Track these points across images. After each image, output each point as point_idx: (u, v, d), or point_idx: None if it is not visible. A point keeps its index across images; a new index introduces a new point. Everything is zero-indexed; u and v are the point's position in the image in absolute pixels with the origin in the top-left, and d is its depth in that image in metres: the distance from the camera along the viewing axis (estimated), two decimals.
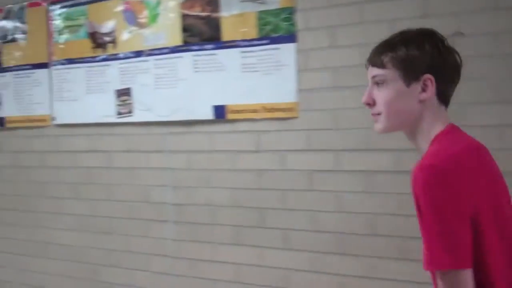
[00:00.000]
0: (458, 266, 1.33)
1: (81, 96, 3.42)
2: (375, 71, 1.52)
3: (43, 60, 3.60)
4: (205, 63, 2.95)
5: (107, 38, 3.30)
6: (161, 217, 3.19)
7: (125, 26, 3.22)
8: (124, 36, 3.23)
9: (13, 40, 3.75)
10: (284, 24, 2.74)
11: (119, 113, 3.26)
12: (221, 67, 2.89)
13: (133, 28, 3.19)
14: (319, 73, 2.63)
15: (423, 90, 1.48)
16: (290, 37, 2.72)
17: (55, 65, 3.54)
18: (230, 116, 2.91)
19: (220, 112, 2.93)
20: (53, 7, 3.53)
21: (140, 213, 3.27)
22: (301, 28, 2.71)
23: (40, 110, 3.63)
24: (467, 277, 1.33)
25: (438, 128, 1.50)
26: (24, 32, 3.70)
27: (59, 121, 3.55)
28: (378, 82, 1.52)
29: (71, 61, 3.46)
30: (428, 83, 1.47)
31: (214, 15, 2.90)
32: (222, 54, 2.89)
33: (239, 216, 2.93)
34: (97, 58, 3.34)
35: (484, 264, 1.37)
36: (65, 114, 3.51)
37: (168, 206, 3.16)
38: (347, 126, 2.62)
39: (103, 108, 3.33)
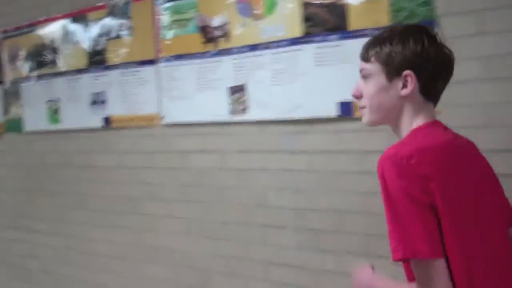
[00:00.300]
0: (434, 255, 1.36)
1: (191, 94, 3.24)
2: (362, 64, 1.59)
3: (150, 57, 3.44)
4: (329, 56, 2.69)
5: (218, 32, 3.10)
6: (279, 223, 2.97)
7: (239, 18, 3.00)
8: (238, 29, 3.01)
9: (118, 37, 3.62)
10: (421, 10, 2.43)
11: (233, 112, 3.05)
12: (347, 60, 2.60)
13: (248, 20, 2.96)
14: (466, 63, 2.31)
15: (404, 85, 1.52)
16: (429, 24, 2.41)
17: (162, 62, 3.38)
18: (358, 113, 2.63)
19: (346, 109, 2.66)
20: (159, 1, 3.37)
21: (255, 217, 3.06)
22: (443, 13, 2.40)
23: (147, 109, 3.48)
24: (443, 266, 1.38)
25: (418, 123, 1.54)
26: (129, 28, 3.56)
27: (167, 120, 3.38)
28: (364, 76, 1.58)
29: (179, 57, 3.28)
30: (409, 79, 1.51)
31: (340, 2, 2.63)
32: (348, 45, 2.61)
33: (369, 223, 2.65)
34: (208, 54, 3.14)
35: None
36: (174, 113, 3.34)
37: (286, 211, 2.93)
38: (500, 123, 2.29)
39: (215, 107, 3.13)
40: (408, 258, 1.40)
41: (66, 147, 4.09)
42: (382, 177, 1.42)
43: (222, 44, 3.08)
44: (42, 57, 4.15)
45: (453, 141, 1.56)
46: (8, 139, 4.58)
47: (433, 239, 1.37)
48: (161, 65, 3.38)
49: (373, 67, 1.56)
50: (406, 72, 1.51)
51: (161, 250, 3.52)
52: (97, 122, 3.76)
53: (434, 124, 1.57)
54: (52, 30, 4.07)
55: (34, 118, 4.26)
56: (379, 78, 1.55)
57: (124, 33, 3.59)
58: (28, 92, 4.30)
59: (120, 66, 3.61)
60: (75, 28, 3.89)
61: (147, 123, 3.49)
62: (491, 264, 1.46)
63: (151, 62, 3.44)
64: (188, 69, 3.24)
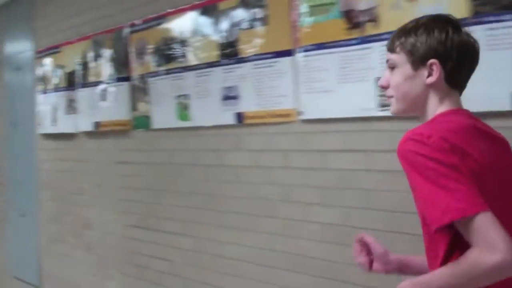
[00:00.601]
0: (482, 208, 1.36)
1: (332, 86, 2.93)
2: (388, 55, 1.66)
3: (286, 47, 3.17)
4: (504, 39, 2.29)
5: (365, 16, 2.77)
6: None
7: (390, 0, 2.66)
8: (388, 12, 2.67)
9: (251, 27, 3.38)
10: None
11: (381, 105, 2.71)
12: None
13: (401, 1, 2.61)
14: None
15: (430, 74, 1.58)
16: None
17: (301, 52, 3.09)
18: None
19: None
20: None
21: (404, 226, 2.70)
22: None
23: (283, 104, 3.21)
24: (494, 216, 1.36)
25: (441, 110, 1.59)
26: (263, 17, 3.30)
27: (306, 116, 3.09)
28: (390, 66, 1.65)
29: (320, 46, 2.98)
30: (434, 67, 1.56)
31: None
32: None
33: None
34: (353, 41, 2.82)
35: None
36: (314, 108, 3.04)
37: None
38: None
39: (360, 100, 2.80)
40: (458, 218, 1.38)
41: (195, 145, 3.91)
42: (406, 157, 1.47)
43: (370, 30, 2.74)
44: (171, 51, 4.00)
45: (476, 124, 1.59)
46: (135, 137, 4.49)
47: (475, 195, 1.38)
48: (299, 56, 3.10)
49: (398, 57, 1.62)
50: (431, 61, 1.56)
51: (294, 256, 3.24)
52: (229, 118, 3.54)
53: (458, 111, 1.62)
54: (180, 22, 3.91)
55: (162, 114, 4.12)
56: (405, 68, 1.61)
57: (257, 22, 3.34)
58: (156, 87, 4.17)
59: (253, 58, 3.36)
60: (205, 19, 3.70)
61: (282, 119, 3.22)
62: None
63: (287, 53, 3.16)
64: (329, 59, 2.93)
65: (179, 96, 3.92)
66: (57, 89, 5.43)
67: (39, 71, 5.73)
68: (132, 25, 4.37)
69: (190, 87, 3.83)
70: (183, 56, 3.88)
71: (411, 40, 1.58)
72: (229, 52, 3.52)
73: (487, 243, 1.35)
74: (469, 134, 1.51)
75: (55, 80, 5.46)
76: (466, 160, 1.43)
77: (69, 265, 5.42)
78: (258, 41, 3.33)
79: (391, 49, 1.64)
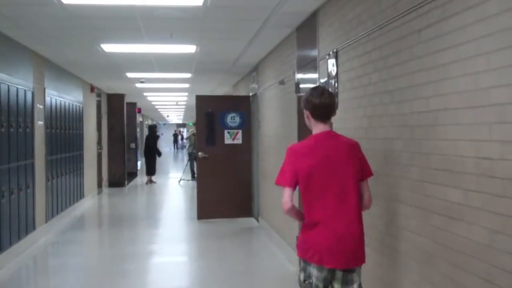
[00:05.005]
0: (283, 184, 3.40)
1: None
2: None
3: None
4: None
5: None
6: None
7: None
8: None
9: None
10: None
11: None
12: None
13: None
14: None
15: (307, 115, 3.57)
16: None
17: None
18: None
19: None
20: None
21: None
22: None
23: None
24: (289, 190, 3.38)
25: (314, 133, 3.52)
26: None
27: None
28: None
29: None
30: (305, 112, 3.55)
31: None
32: None
33: None
34: None
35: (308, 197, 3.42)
36: None
37: None
38: None
39: None
40: (277, 184, 3.46)
41: None
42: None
43: None
44: None
45: (319, 141, 3.44)
46: None
47: (289, 179, 3.38)
48: None
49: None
50: (304, 109, 3.55)
51: None
52: None
53: (317, 135, 3.48)
54: None
55: None
56: (306, 112, 3.56)
57: None
58: None
59: None
60: None
61: None
62: (323, 207, 3.36)
63: None
64: None
65: None
66: None
67: None
68: None
69: None
70: None
71: (303, 98, 3.58)
72: None
73: (284, 199, 3.36)
74: (310, 146, 3.44)
75: None
76: (301, 163, 3.39)
77: None
78: None
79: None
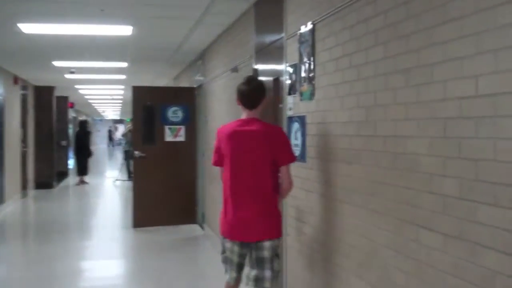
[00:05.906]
0: (214, 164, 3.96)
1: None
2: None
3: None
4: None
5: None
6: None
7: None
8: None
9: None
10: None
11: None
12: None
13: None
14: None
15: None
16: None
17: None
18: None
19: None
20: None
21: None
22: None
23: None
24: (219, 170, 3.97)
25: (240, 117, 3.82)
26: None
27: None
28: None
29: None
30: (236, 100, 3.85)
31: None
32: None
33: None
34: None
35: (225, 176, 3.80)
36: None
37: None
38: None
39: None
40: (213, 165, 4.03)
41: None
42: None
43: None
44: None
45: (239, 126, 3.75)
46: None
47: (217, 159, 3.90)
48: None
49: None
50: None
51: None
52: None
53: (241, 119, 3.79)
54: None
55: None
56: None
57: None
58: None
59: None
60: None
61: None
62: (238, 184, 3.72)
63: None
64: None
65: None
66: None
67: None
68: None
69: None
70: None
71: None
72: None
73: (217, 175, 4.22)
74: (230, 130, 3.78)
75: None
76: (222, 143, 3.83)
77: None
78: None
79: None
